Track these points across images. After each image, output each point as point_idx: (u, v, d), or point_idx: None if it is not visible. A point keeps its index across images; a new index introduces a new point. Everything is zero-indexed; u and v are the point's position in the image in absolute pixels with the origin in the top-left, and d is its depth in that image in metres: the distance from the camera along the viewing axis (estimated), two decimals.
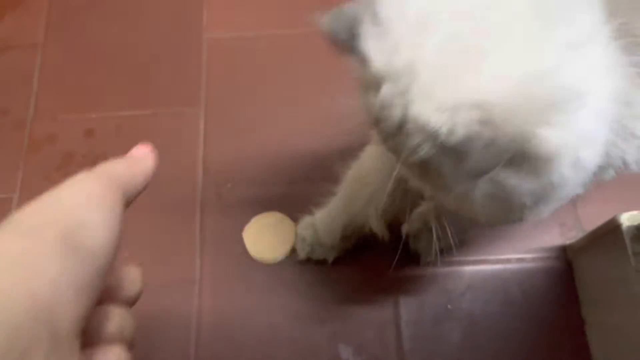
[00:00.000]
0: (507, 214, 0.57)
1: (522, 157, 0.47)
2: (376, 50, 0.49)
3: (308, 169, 1.01)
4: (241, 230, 0.98)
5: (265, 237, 0.97)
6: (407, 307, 0.91)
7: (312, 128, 1.02)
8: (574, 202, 0.96)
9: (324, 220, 0.93)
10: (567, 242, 0.93)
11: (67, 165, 1.03)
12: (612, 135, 0.56)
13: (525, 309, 0.90)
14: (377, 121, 0.51)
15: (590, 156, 0.54)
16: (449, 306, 0.91)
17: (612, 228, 0.79)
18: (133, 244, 0.97)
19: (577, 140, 0.52)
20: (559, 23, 0.48)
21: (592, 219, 0.88)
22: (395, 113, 0.49)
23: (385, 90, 0.49)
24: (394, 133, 0.50)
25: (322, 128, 0.96)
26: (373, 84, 0.50)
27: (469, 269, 0.93)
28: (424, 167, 0.52)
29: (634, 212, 0.77)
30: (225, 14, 1.15)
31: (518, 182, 0.50)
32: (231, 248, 0.97)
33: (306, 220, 0.96)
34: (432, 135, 0.47)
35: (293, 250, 0.96)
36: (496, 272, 0.92)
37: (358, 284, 0.93)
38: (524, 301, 0.90)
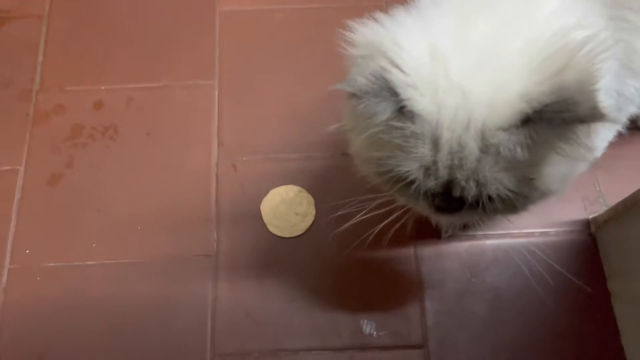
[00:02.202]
0: (563, 187, 0.58)
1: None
2: (422, 102, 0.50)
3: (326, 142, 0.98)
4: (258, 204, 0.95)
5: (284, 211, 0.94)
6: (430, 282, 0.89)
7: (329, 101, 1.00)
8: (596, 177, 0.95)
9: None
10: (591, 215, 0.92)
11: (76, 137, 1.00)
12: (619, 77, 0.60)
13: (550, 283, 0.88)
14: (436, 170, 0.52)
15: (612, 105, 0.59)
16: (472, 280, 0.89)
17: None
18: (147, 219, 0.94)
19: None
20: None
21: (615, 193, 0.88)
22: (471, 146, 0.50)
23: (450, 131, 0.50)
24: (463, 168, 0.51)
25: (340, 101, 0.95)
26: (425, 136, 0.51)
27: (491, 242, 0.92)
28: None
29: None
30: None
31: (578, 152, 0.52)
32: (248, 222, 0.94)
33: None
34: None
35: (313, 224, 0.93)
36: (520, 246, 0.91)
37: (380, 259, 0.91)
38: (548, 275, 0.89)
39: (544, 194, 0.56)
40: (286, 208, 0.94)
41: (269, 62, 1.06)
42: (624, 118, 0.70)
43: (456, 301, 0.88)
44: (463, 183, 0.51)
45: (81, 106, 1.03)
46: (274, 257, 0.92)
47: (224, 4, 1.11)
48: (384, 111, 0.50)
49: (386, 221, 0.70)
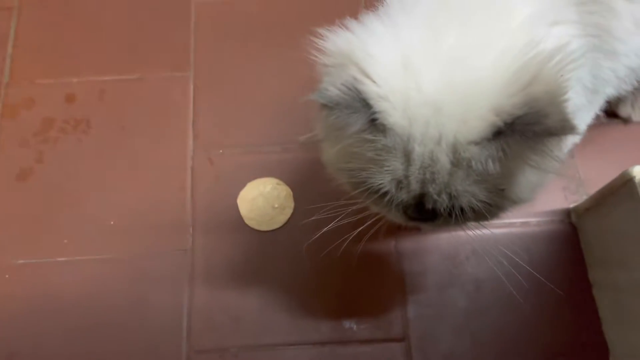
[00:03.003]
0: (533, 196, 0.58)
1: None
2: (394, 116, 0.49)
3: (304, 133, 0.96)
4: (235, 197, 0.93)
5: (262, 204, 0.92)
6: (411, 274, 0.88)
7: (308, 92, 0.98)
8: (576, 166, 0.94)
9: None
10: (571, 205, 0.91)
11: (46, 131, 0.97)
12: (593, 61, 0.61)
13: (531, 273, 0.87)
14: (408, 183, 0.51)
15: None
16: (453, 271, 0.88)
17: (623, 183, 0.77)
18: (122, 213, 0.92)
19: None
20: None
21: (595, 182, 0.87)
22: (442, 160, 0.49)
23: (422, 146, 0.49)
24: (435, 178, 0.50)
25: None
26: (397, 150, 0.50)
27: (472, 233, 0.90)
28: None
29: None
30: None
31: (550, 164, 0.52)
32: (225, 216, 0.92)
33: None
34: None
35: (291, 218, 0.92)
36: (501, 237, 0.90)
37: (360, 252, 0.89)
38: (529, 265, 0.88)
39: (514, 203, 0.55)
40: (264, 201, 0.93)
41: (246, 54, 1.04)
42: (601, 100, 0.70)
43: (437, 293, 0.87)
44: (435, 196, 0.51)
45: (52, 99, 1.00)
46: (252, 251, 0.90)
47: None
48: (356, 123, 0.49)
49: (360, 228, 0.68)
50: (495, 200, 0.51)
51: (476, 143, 0.47)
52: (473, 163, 0.48)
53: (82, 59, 1.04)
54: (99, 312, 0.87)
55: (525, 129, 0.45)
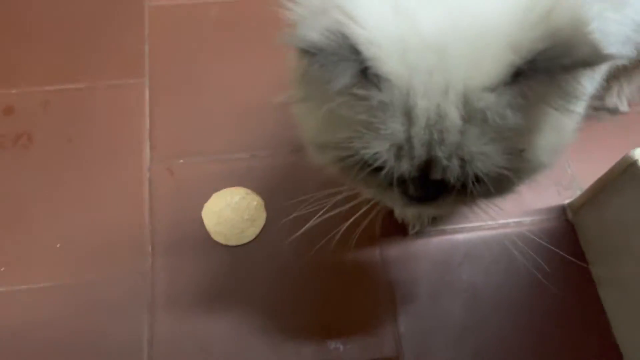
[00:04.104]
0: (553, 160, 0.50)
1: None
2: (390, 64, 0.41)
3: (273, 138, 0.88)
4: (200, 210, 0.83)
5: (229, 217, 0.83)
6: (400, 285, 0.79)
7: (272, 94, 0.91)
8: (567, 160, 0.89)
9: None
10: (566, 201, 0.85)
11: None
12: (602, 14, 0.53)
13: (530, 275, 0.79)
14: (412, 144, 0.43)
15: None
16: (446, 278, 0.79)
17: (624, 168, 0.71)
18: (69, 234, 0.81)
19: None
20: None
21: (587, 176, 0.81)
22: (452, 115, 0.41)
23: (426, 99, 0.41)
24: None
25: (276, 92, 0.87)
26: (396, 107, 0.42)
27: (463, 236, 0.83)
28: None
29: None
30: None
31: (577, 103, 0.44)
32: (188, 231, 0.82)
33: None
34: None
35: (263, 230, 0.82)
36: (494, 239, 0.82)
37: (342, 264, 0.80)
38: (527, 267, 0.80)
39: (534, 169, 0.47)
40: (232, 213, 0.83)
41: (207, 58, 0.96)
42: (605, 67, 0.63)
43: (430, 304, 0.78)
44: (444, 162, 0.42)
45: None
46: (221, 270, 0.80)
47: None
48: (344, 74, 0.40)
49: (351, 219, 0.60)
50: (514, 164, 0.43)
51: (492, 89, 0.40)
52: (489, 115, 0.40)
53: (22, 68, 0.93)
54: (45, 345, 0.74)
55: (550, 64, 0.38)
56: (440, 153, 0.42)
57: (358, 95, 0.41)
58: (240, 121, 0.90)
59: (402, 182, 0.45)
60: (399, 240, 0.81)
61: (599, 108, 0.90)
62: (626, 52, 0.60)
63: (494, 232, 0.83)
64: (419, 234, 0.82)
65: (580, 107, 0.48)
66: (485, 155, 0.42)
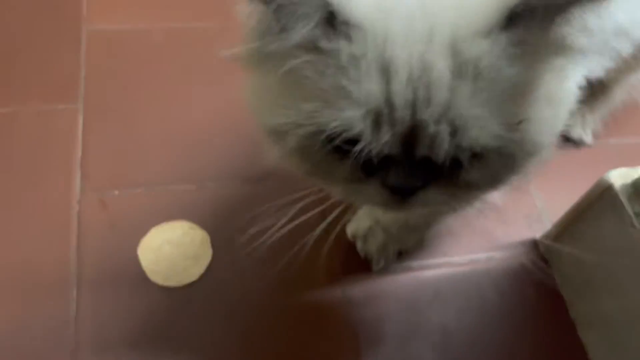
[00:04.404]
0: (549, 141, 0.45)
1: None
2: (361, 6, 0.35)
3: (220, 167, 0.80)
4: (136, 246, 0.73)
5: (169, 254, 0.73)
6: (365, 329, 0.70)
7: (214, 121, 0.83)
8: (532, 192, 0.84)
9: None
10: (537, 235, 0.79)
11: None
12: None
13: (505, 315, 0.73)
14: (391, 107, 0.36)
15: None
16: (415, 320, 0.71)
17: (599, 194, 0.67)
18: None
19: None
20: None
21: (556, 208, 0.76)
22: (439, 67, 0.35)
23: (407, 49, 0.35)
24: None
25: (224, 121, 0.83)
26: (370, 60, 0.35)
27: (432, 273, 0.75)
28: None
29: (623, 169, 0.65)
30: (109, 4, 0.96)
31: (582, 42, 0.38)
32: (122, 271, 0.71)
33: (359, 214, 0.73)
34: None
35: (209, 268, 0.72)
36: (465, 275, 0.75)
37: (299, 307, 0.71)
38: (502, 305, 0.73)
39: (532, 150, 0.41)
40: (172, 249, 0.73)
41: (149, 85, 0.88)
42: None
43: (398, 347, 0.69)
44: (432, 128, 0.35)
45: None
46: (158, 314, 0.69)
47: (93, 22, 0.93)
48: (304, 21, 0.34)
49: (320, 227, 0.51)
50: (511, 136, 0.37)
51: (484, 35, 0.34)
52: (482, 67, 0.34)
53: None
54: None
55: (547, 3, 0.33)
56: (426, 116, 0.35)
57: (323, 50, 0.35)
58: (183, 150, 0.81)
59: (381, 167, 0.38)
60: (362, 277, 0.73)
61: (563, 139, 0.87)
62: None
63: (464, 268, 0.76)
64: (384, 270, 0.74)
65: (575, 77, 0.42)
66: (480, 121, 0.35)
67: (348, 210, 0.56)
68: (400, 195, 0.40)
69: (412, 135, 0.36)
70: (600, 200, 0.67)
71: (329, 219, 0.50)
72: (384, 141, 0.36)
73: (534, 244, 0.79)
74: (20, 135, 0.81)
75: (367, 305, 0.71)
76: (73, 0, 0.95)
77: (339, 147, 0.38)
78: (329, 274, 0.72)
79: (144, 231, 0.74)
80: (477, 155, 0.38)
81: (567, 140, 0.87)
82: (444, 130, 0.35)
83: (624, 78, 0.79)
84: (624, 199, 0.64)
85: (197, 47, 0.92)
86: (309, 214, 0.51)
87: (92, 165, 0.79)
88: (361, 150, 0.36)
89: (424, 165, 0.37)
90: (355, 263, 0.74)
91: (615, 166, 0.65)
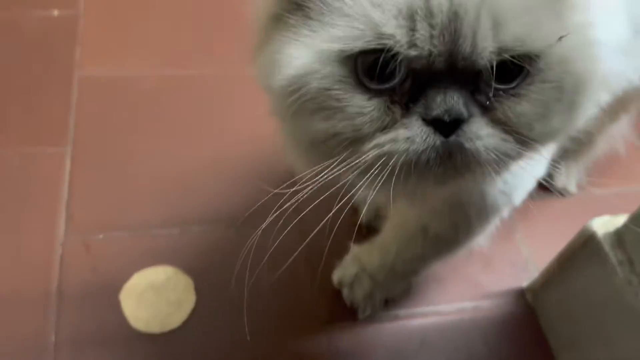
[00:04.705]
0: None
1: None
2: None
3: (206, 212, 0.80)
4: (118, 291, 0.72)
5: (152, 300, 0.71)
6: None
7: (200, 167, 0.84)
8: (517, 241, 0.84)
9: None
10: (524, 283, 0.79)
11: None
12: None
13: None
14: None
15: None
16: None
17: (583, 242, 0.67)
18: None
19: None
20: None
21: (542, 256, 0.76)
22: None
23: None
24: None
25: (211, 167, 0.84)
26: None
27: (419, 322, 0.74)
28: None
29: (606, 217, 0.66)
30: (101, 50, 0.98)
31: None
32: (104, 316, 0.69)
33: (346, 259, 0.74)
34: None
35: (192, 315, 0.71)
36: (452, 324, 0.74)
37: (283, 355, 0.70)
38: (489, 356, 0.72)
39: (576, 79, 0.38)
40: (155, 295, 0.72)
41: (138, 130, 0.88)
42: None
43: None
44: (472, 15, 0.33)
45: None
46: None
47: (85, 68, 0.95)
48: None
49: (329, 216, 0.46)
50: (554, 52, 0.36)
51: None
52: None
53: None
54: None
55: None
56: (466, 5, 0.33)
57: None
58: (169, 195, 0.81)
59: (420, 94, 0.36)
60: (348, 326, 0.72)
61: (548, 189, 0.88)
62: None
63: (451, 317, 0.75)
64: (370, 318, 0.73)
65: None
66: (521, 17, 0.34)
67: (335, 257, 0.55)
68: (445, 134, 0.36)
69: (451, 32, 0.34)
70: (584, 248, 0.67)
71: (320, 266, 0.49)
72: (422, 43, 0.34)
73: (521, 293, 0.79)
74: (7, 176, 0.80)
75: (353, 354, 0.70)
76: (66, 46, 0.97)
77: (369, 88, 0.36)
78: (315, 322, 0.71)
79: (127, 276, 0.73)
80: (522, 73, 0.36)
81: (552, 190, 0.88)
82: (485, 21, 0.34)
83: (605, 128, 0.81)
84: (607, 247, 0.64)
85: (186, 95, 0.94)
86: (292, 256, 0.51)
87: (77, 208, 0.78)
88: (400, 63, 0.34)
89: (467, 86, 0.36)
90: (341, 311, 0.73)
91: (600, 215, 0.65)
